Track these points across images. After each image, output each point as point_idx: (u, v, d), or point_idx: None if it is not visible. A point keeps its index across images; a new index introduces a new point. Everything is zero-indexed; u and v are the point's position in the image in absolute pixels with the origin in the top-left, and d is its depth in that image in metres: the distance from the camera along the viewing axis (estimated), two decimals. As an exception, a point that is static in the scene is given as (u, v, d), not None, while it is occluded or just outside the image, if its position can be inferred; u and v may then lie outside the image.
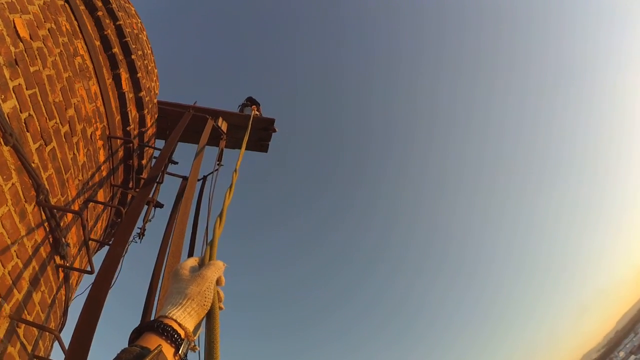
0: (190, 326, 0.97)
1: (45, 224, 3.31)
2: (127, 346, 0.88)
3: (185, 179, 5.92)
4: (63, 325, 4.16)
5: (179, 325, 0.95)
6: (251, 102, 8.33)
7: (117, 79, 4.79)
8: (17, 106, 2.93)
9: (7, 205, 2.79)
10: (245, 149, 7.72)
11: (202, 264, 1.18)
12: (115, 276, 4.39)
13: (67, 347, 2.56)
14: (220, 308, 1.09)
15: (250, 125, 6.10)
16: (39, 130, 3.20)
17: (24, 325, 3.01)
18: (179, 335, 0.92)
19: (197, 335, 1.03)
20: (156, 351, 0.83)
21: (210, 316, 1.03)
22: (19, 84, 2.96)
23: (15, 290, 2.90)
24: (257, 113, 7.98)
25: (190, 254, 4.46)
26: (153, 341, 0.88)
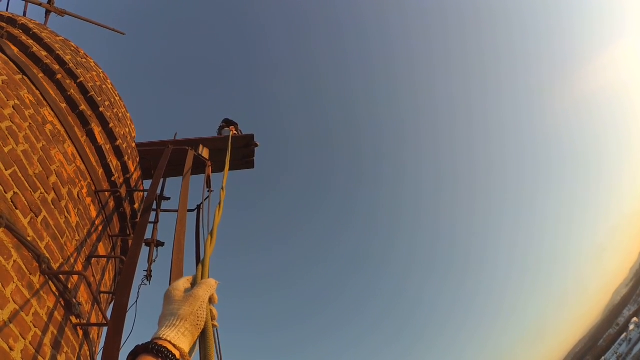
0: (185, 346, 0.99)
1: (54, 290, 3.48)
2: None
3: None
4: (94, 379, 4.33)
5: (174, 345, 0.96)
6: (227, 123, 8.46)
7: (90, 135, 4.94)
8: (1, 188, 3.08)
9: (14, 282, 2.95)
10: (232, 169, 7.91)
11: (194, 284, 1.20)
12: (132, 325, 4.55)
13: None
14: (214, 326, 1.12)
15: (230, 145, 6.27)
16: (27, 204, 3.36)
17: (55, 388, 3.18)
18: (174, 356, 0.94)
19: (193, 355, 1.05)
20: None
21: (204, 335, 1.06)
22: (-3, 167, 3.12)
23: (40, 358, 3.07)
24: (236, 133, 8.12)
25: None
26: None
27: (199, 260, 4.96)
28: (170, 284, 3.35)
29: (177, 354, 0.96)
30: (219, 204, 2.37)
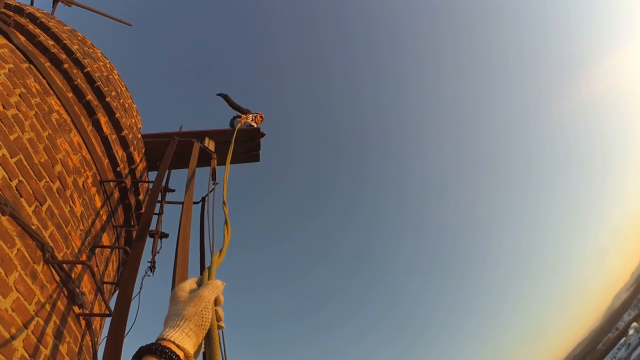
0: (189, 347, 0.97)
1: (57, 279, 3.46)
2: None
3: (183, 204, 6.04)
4: (95, 369, 4.33)
5: (177, 346, 0.95)
6: (241, 112, 8.19)
7: (96, 125, 4.92)
8: (6, 176, 3.06)
9: (17, 270, 2.94)
10: (238, 162, 7.85)
11: (200, 284, 1.18)
12: (135, 316, 4.54)
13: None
14: (220, 327, 1.12)
15: (233, 141, 6.21)
16: (32, 193, 3.34)
17: (57, 377, 3.17)
18: (177, 356, 0.92)
19: (198, 356, 1.04)
20: None
21: (209, 336, 1.05)
22: (3, 154, 3.10)
23: (41, 347, 3.06)
24: (254, 124, 7.84)
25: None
26: None
27: (202, 253, 4.94)
28: (173, 276, 3.31)
29: (181, 354, 0.94)
30: (225, 222, 2.20)
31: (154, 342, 0.96)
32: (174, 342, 0.95)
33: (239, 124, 7.44)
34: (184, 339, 0.97)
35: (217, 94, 8.41)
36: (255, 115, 8.35)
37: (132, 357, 0.93)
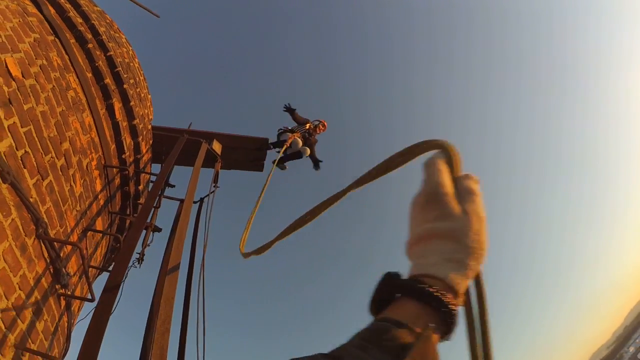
0: (463, 291, 0.67)
1: (46, 256, 3.41)
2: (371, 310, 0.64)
3: (182, 202, 6.01)
4: (66, 351, 4.25)
5: (455, 293, 0.64)
6: (302, 122, 7.97)
7: (110, 109, 4.92)
8: (13, 144, 3.04)
9: (7, 241, 2.89)
10: (241, 169, 7.86)
11: (454, 175, 0.76)
12: (116, 303, 4.49)
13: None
14: None
15: (278, 159, 6.27)
16: (36, 165, 3.32)
17: (28, 353, 3.11)
18: (456, 311, 0.62)
19: None
20: (425, 336, 0.56)
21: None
22: (14, 123, 3.08)
23: (19, 321, 3.00)
24: (300, 142, 7.70)
25: (189, 278, 4.49)
26: (416, 316, 0.59)
27: (193, 253, 4.87)
28: (160, 273, 3.24)
29: (457, 302, 0.64)
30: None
31: (419, 279, 0.64)
32: (454, 288, 0.64)
33: (287, 142, 7.32)
34: (464, 283, 0.66)
35: (284, 109, 8.08)
36: (316, 123, 8.19)
37: (379, 287, 0.67)
